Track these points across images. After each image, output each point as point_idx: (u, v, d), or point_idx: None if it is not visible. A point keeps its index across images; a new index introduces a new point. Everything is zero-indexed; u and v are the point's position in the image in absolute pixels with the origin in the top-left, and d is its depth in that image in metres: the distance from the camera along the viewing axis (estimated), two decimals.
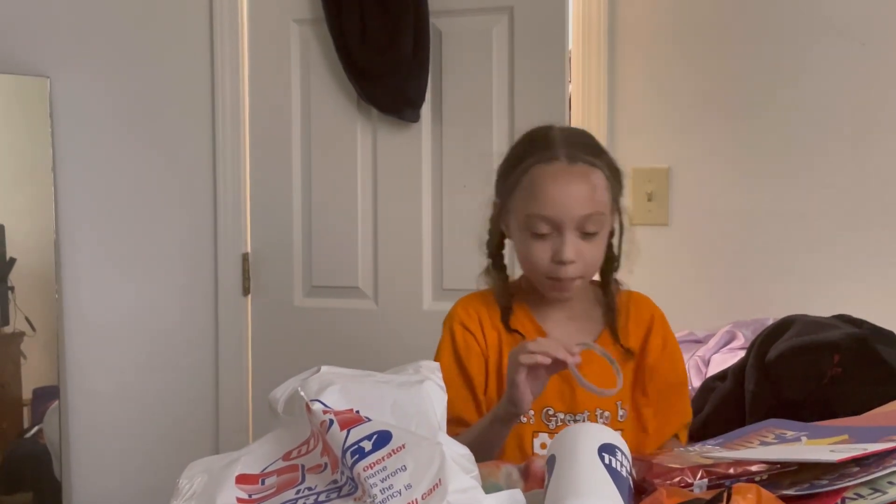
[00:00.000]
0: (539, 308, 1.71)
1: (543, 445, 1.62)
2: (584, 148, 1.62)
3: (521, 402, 1.46)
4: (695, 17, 2.67)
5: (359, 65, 2.83)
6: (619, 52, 2.71)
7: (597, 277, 1.73)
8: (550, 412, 1.64)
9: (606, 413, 1.65)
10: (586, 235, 1.59)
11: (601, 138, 2.70)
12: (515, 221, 1.63)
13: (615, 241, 1.71)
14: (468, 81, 2.81)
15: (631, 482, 0.96)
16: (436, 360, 1.69)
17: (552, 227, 1.58)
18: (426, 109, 2.84)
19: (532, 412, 1.63)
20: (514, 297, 1.72)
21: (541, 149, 1.60)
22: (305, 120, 2.98)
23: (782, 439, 1.14)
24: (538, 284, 1.65)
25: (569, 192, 1.57)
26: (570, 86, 2.73)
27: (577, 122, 2.73)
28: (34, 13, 3.13)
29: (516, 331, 1.68)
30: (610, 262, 1.71)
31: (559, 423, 1.63)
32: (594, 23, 2.70)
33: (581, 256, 1.59)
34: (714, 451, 1.05)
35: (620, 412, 1.66)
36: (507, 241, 1.75)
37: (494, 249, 1.75)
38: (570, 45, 2.73)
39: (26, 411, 3.17)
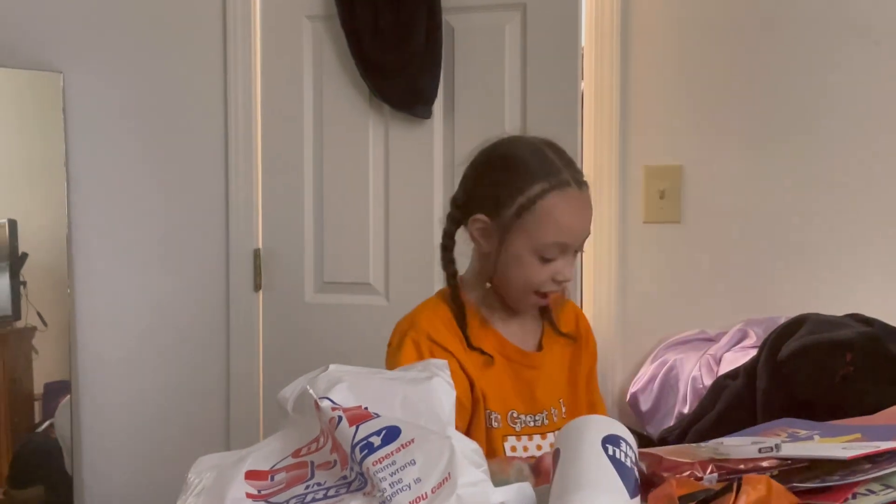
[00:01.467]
0: (493, 315, 1.74)
1: (513, 448, 1.66)
2: (576, 167, 1.67)
3: None
4: (708, 15, 2.66)
5: (371, 61, 2.83)
6: (632, 49, 2.71)
7: None
8: (515, 415, 1.67)
9: (555, 411, 1.72)
10: (576, 253, 1.67)
11: (613, 136, 2.72)
12: (521, 244, 1.63)
13: None
14: (480, 78, 2.81)
15: (636, 472, 0.95)
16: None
17: (560, 251, 1.63)
18: (438, 106, 2.84)
19: (499, 416, 1.66)
20: (467, 308, 1.72)
21: (547, 174, 1.62)
22: (317, 116, 2.98)
23: (795, 438, 1.13)
24: (519, 298, 1.70)
25: (583, 219, 1.64)
26: (582, 83, 2.73)
27: (589, 119, 2.73)
28: (48, 9, 3.15)
29: (478, 349, 1.69)
30: None
31: (523, 426, 1.67)
32: (607, 20, 2.70)
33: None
34: (723, 447, 1.05)
35: (563, 409, 1.73)
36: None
37: (451, 258, 1.75)
38: (583, 42, 2.72)
39: (37, 406, 3.18)
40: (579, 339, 1.82)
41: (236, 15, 3.01)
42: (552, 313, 1.79)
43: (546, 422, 1.69)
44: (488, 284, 1.73)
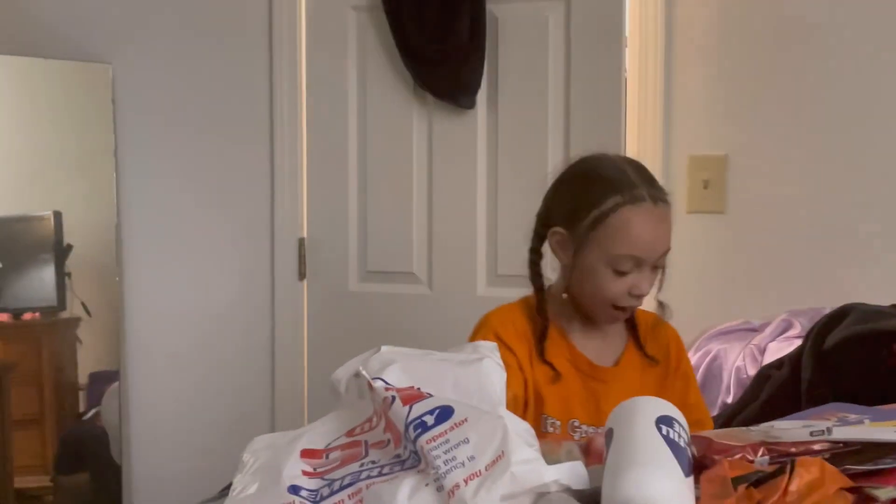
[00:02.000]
0: (572, 326, 1.77)
1: None
2: (658, 186, 1.70)
3: None
4: (753, 3, 2.65)
5: (415, 51, 2.84)
6: (676, 38, 2.70)
7: None
8: (576, 424, 1.70)
9: None
10: (655, 269, 1.69)
11: (657, 126, 2.71)
12: (596, 257, 1.66)
13: None
14: (524, 68, 2.80)
15: (689, 453, 0.96)
16: None
17: (635, 265, 1.65)
18: (482, 96, 2.85)
19: (559, 423, 1.69)
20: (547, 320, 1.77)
21: (624, 188, 1.65)
22: (362, 106, 2.99)
23: (845, 422, 1.13)
24: (596, 311, 1.73)
25: (657, 234, 1.66)
26: (626, 72, 2.72)
27: (632, 108, 2.72)
28: (97, 0, 3.18)
29: (549, 363, 1.73)
30: None
31: (583, 435, 1.68)
32: (651, 8, 2.69)
33: (651, 287, 1.70)
34: (776, 429, 1.05)
35: None
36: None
37: (539, 272, 1.79)
38: (627, 32, 2.71)
39: (82, 395, 3.22)
40: (668, 364, 1.80)
41: (282, 5, 3.03)
42: (640, 333, 1.80)
43: None
44: (564, 295, 1.76)
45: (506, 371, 1.68)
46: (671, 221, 1.69)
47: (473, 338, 1.75)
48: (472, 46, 2.77)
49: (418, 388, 1.09)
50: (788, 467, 0.88)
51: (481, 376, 1.13)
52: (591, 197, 1.67)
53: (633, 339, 1.79)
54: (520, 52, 2.81)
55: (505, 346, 1.69)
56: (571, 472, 0.96)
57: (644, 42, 2.71)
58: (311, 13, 3.03)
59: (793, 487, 0.88)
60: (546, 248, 1.78)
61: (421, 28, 2.81)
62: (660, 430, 0.95)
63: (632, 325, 1.79)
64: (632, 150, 2.71)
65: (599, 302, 1.70)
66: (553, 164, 2.76)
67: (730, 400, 2.39)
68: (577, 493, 0.97)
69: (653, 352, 1.79)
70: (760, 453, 1.01)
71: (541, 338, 1.74)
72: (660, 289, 1.77)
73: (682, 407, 1.74)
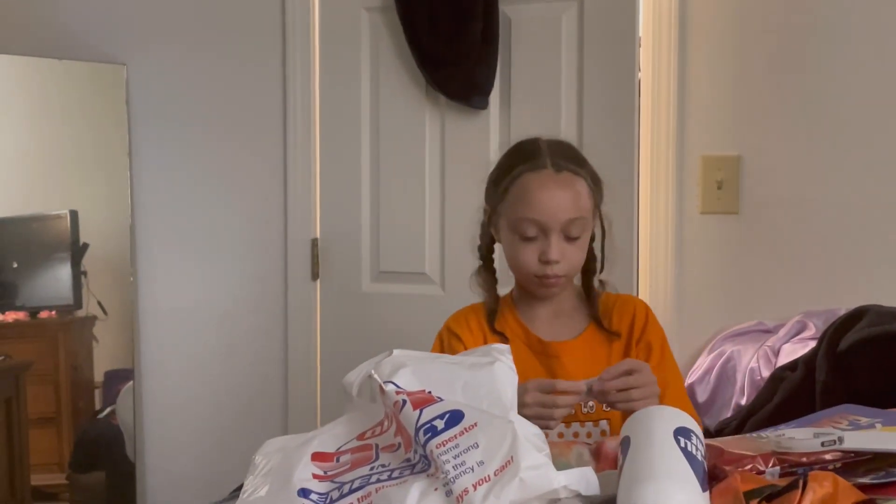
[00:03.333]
0: (526, 309, 1.84)
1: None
2: (569, 158, 1.75)
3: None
4: (767, 3, 2.64)
5: (428, 52, 2.84)
6: (690, 38, 2.69)
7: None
8: None
9: (591, 403, 1.74)
10: (570, 239, 1.73)
11: (671, 126, 2.70)
12: (505, 225, 1.76)
13: (597, 244, 1.84)
14: (537, 69, 2.80)
15: (705, 466, 0.95)
16: None
17: (539, 230, 1.71)
18: (495, 97, 2.84)
19: None
20: (503, 300, 1.86)
21: (529, 158, 1.74)
22: (374, 107, 3.00)
23: (856, 426, 1.13)
24: (526, 283, 1.80)
25: (555, 197, 1.70)
26: (639, 73, 2.71)
27: (646, 109, 2.71)
28: (111, 1, 3.20)
29: (500, 333, 1.81)
30: (591, 263, 1.85)
31: None
32: (665, 9, 2.68)
33: (565, 257, 1.73)
34: (787, 436, 1.04)
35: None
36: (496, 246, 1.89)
37: (485, 252, 1.89)
38: (640, 32, 2.71)
39: (98, 393, 3.24)
40: (631, 336, 1.81)
41: (295, 7, 3.04)
42: (601, 309, 1.82)
43: (571, 411, 1.64)
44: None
45: (452, 351, 1.76)
46: (581, 192, 1.72)
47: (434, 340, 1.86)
48: (484, 47, 2.77)
49: (429, 392, 1.09)
50: (801, 482, 0.87)
51: (493, 379, 1.13)
52: (502, 171, 1.78)
53: (594, 316, 1.83)
54: (533, 53, 2.80)
55: (454, 335, 1.82)
56: (581, 478, 0.96)
57: (657, 42, 2.70)
58: (325, 14, 3.04)
59: (806, 502, 0.87)
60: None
61: (434, 29, 2.81)
62: (678, 441, 0.94)
63: (592, 303, 1.84)
64: (645, 151, 2.71)
65: (521, 273, 1.77)
66: None
67: (743, 402, 2.38)
68: (587, 500, 0.96)
69: (617, 327, 1.81)
70: (771, 464, 1.01)
71: (491, 313, 1.83)
72: (601, 269, 1.84)
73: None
